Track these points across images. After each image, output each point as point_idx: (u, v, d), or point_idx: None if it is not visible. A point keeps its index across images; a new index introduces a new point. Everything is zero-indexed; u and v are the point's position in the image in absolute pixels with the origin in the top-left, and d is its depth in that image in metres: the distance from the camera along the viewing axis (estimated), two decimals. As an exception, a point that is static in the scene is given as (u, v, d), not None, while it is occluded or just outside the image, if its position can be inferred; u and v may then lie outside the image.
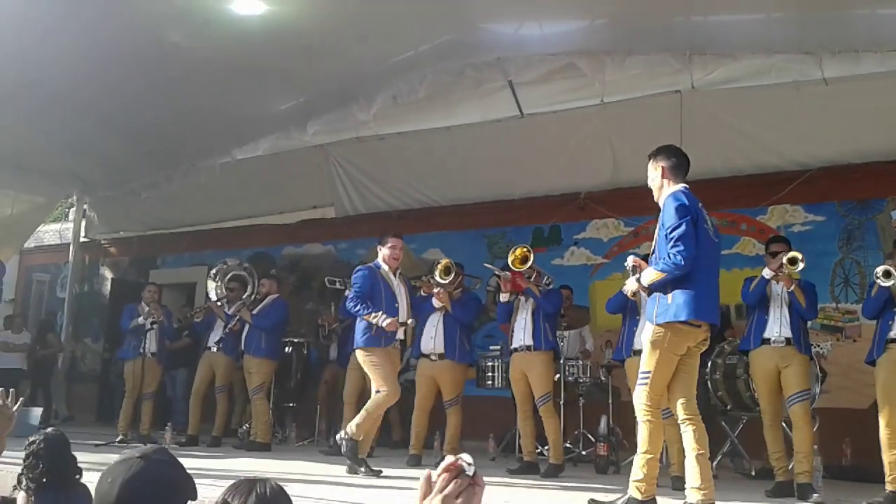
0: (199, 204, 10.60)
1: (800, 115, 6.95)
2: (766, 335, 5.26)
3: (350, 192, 9.48)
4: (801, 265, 5.08)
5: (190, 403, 8.31)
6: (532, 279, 6.24)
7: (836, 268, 7.18)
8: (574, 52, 7.57)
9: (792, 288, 5.20)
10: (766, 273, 5.26)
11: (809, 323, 5.58)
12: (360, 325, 5.85)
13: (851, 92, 6.57)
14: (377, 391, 5.67)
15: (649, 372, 3.97)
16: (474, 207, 9.01)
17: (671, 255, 3.87)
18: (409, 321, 5.99)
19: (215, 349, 8.23)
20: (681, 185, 4.13)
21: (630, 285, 4.23)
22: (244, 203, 10.33)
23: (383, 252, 6.02)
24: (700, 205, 4.07)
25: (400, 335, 5.86)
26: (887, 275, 4.86)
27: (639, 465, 3.98)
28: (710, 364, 6.38)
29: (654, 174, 4.21)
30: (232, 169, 9.97)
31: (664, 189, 4.15)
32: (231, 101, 8.49)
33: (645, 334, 4.09)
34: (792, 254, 5.13)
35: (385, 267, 5.99)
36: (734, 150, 7.47)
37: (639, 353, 4.88)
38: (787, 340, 5.19)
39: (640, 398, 4.01)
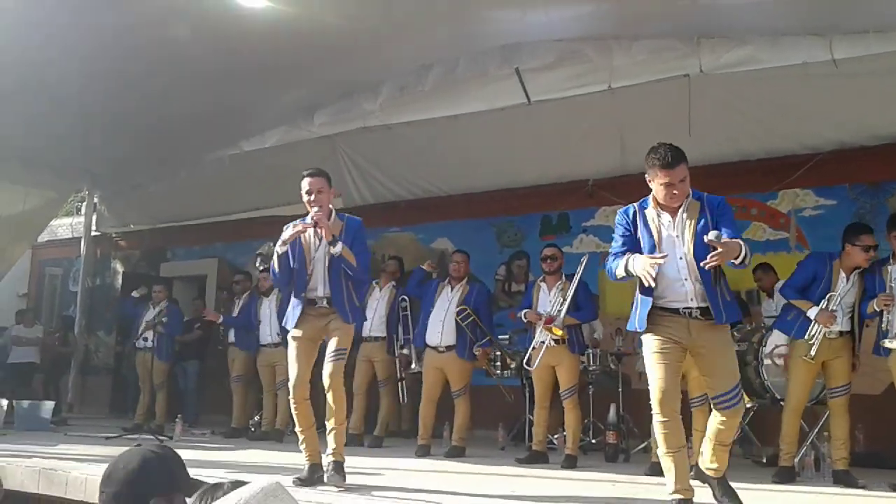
0: (208, 196, 10.61)
1: (809, 98, 6.83)
2: None
3: (358, 182, 9.45)
4: None
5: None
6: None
7: (848, 252, 7.08)
8: (580, 38, 7.49)
9: None
10: None
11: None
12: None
13: (861, 73, 6.44)
14: None
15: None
16: (482, 196, 8.98)
17: None
18: None
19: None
20: None
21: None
22: (253, 195, 10.31)
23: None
24: None
25: None
26: None
27: None
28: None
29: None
30: (240, 161, 9.97)
31: None
32: (238, 95, 8.47)
33: None
34: None
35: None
36: (743, 135, 7.38)
37: None
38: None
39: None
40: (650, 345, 3.71)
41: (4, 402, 8.08)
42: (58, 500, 4.74)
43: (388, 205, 9.46)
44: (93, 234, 12.03)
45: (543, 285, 6.30)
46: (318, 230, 4.63)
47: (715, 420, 3.78)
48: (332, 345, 4.60)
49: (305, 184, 4.69)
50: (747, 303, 7.41)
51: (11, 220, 10.56)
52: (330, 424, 4.55)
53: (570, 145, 8.14)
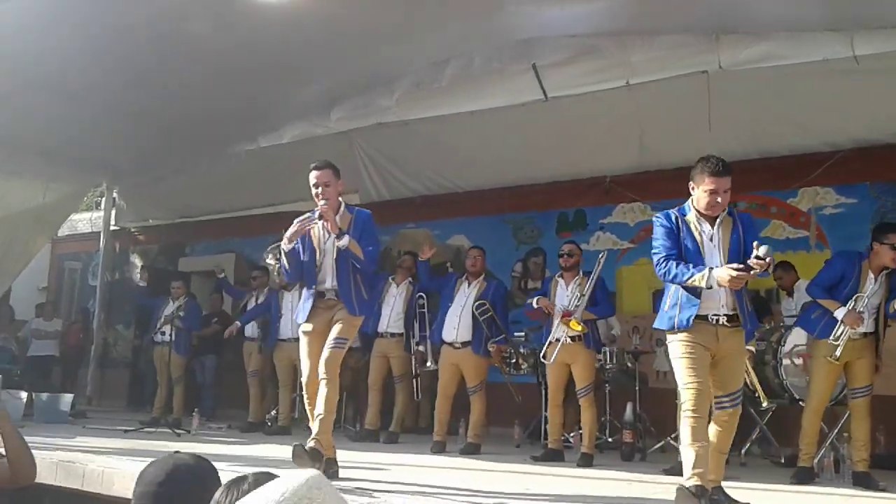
0: (226, 192, 10.64)
1: (830, 95, 6.75)
2: None
3: (374, 178, 9.44)
4: None
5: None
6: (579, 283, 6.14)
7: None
8: (598, 34, 7.43)
9: None
10: None
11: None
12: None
13: (883, 69, 6.34)
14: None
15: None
16: (498, 192, 8.95)
17: None
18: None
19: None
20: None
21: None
22: (270, 190, 10.33)
23: None
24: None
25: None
26: None
27: None
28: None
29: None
30: (257, 156, 9.98)
31: None
32: (254, 90, 8.47)
33: None
34: None
35: None
36: (763, 132, 7.31)
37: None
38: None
39: None
40: (679, 347, 3.82)
41: (24, 395, 8.15)
42: (75, 492, 4.77)
43: (405, 201, 9.45)
44: (112, 228, 12.11)
45: (561, 281, 6.27)
46: (325, 223, 4.61)
47: (715, 424, 3.89)
48: (333, 332, 4.54)
49: (313, 177, 4.67)
50: (767, 301, 7.35)
51: (31, 214, 10.63)
52: (318, 410, 4.44)
53: (587, 142, 8.10)
